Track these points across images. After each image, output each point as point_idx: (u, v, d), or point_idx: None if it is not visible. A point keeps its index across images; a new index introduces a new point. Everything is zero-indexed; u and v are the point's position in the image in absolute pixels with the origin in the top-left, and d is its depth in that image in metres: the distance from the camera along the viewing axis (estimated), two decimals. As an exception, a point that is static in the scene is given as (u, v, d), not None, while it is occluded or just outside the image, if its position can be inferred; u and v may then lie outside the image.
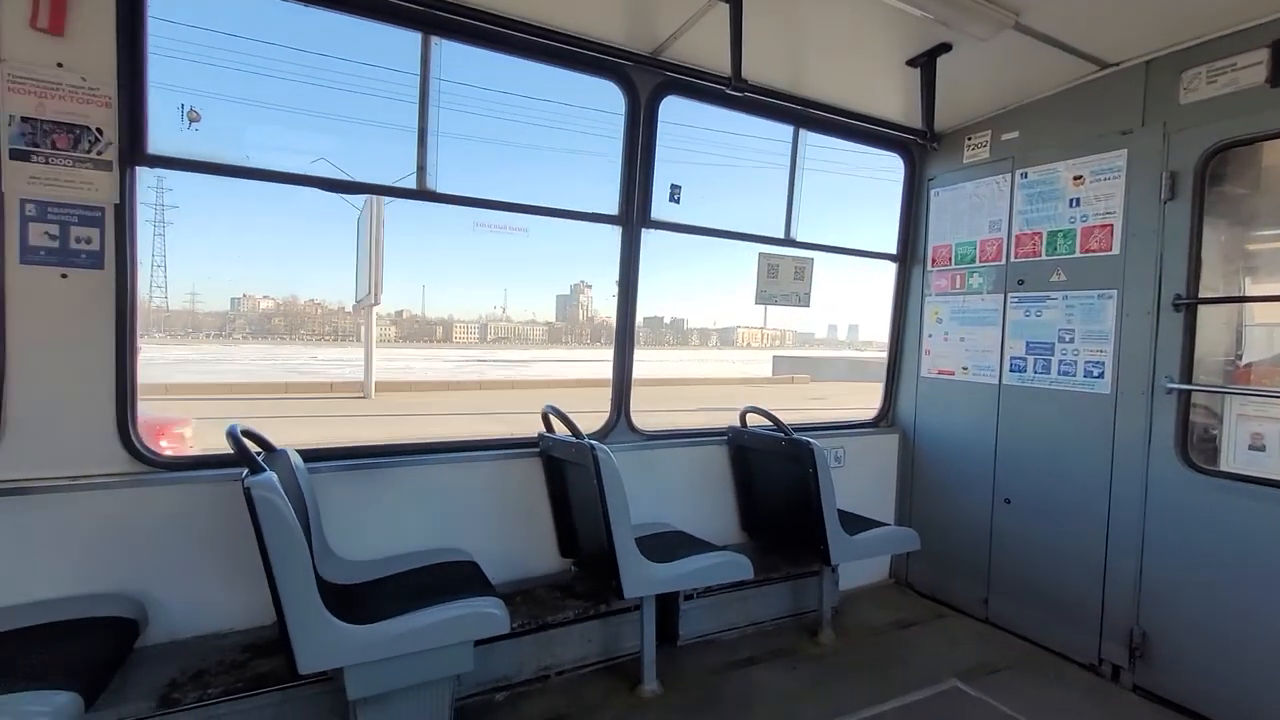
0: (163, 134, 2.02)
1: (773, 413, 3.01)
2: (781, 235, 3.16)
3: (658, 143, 2.78)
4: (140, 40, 1.97)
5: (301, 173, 2.24)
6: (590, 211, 2.75)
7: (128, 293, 2.00)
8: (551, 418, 2.63)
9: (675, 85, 2.77)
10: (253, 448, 1.93)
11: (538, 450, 2.68)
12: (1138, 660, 2.60)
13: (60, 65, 1.87)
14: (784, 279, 3.19)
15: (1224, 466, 2.55)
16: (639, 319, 3.06)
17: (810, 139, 3.15)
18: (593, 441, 2.28)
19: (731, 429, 3.17)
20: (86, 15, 1.88)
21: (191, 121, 2.11)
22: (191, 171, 2.09)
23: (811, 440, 2.74)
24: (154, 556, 2.04)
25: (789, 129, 3.12)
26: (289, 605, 1.62)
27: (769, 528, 3.13)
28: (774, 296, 3.18)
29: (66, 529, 1.93)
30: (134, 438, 2.05)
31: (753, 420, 3.12)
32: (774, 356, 28.23)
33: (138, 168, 1.99)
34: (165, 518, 2.05)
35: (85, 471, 1.98)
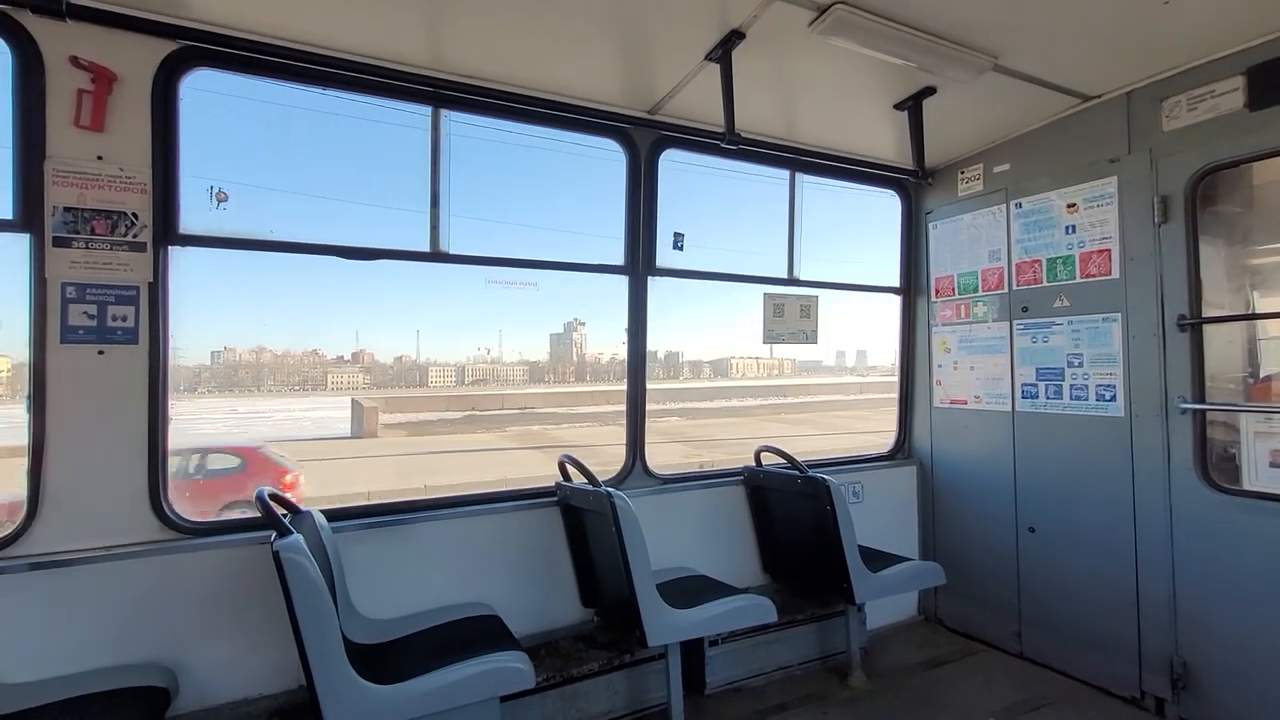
0: (193, 214, 2.16)
1: (786, 450, 3.04)
2: (785, 275, 3.23)
3: (659, 194, 2.89)
4: (173, 130, 2.12)
5: (321, 242, 2.37)
6: (598, 263, 2.85)
7: (160, 365, 2.10)
8: (568, 466, 2.64)
9: (673, 141, 2.89)
10: (279, 510, 2.00)
11: (556, 499, 2.69)
12: (1181, 692, 2.53)
13: (100, 158, 2.01)
14: (790, 318, 3.25)
15: (1246, 485, 2.53)
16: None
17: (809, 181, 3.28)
18: (610, 490, 2.30)
19: (747, 469, 3.17)
20: (124, 111, 2.04)
21: (219, 201, 2.23)
22: (220, 248, 2.23)
23: (827, 477, 2.74)
24: (184, 623, 2.07)
25: (786, 173, 3.23)
26: (317, 668, 1.63)
27: (791, 568, 3.10)
28: (781, 335, 3.24)
29: (100, 600, 1.98)
30: (165, 505, 2.11)
31: (768, 459, 3.14)
32: (353, 401, 21.52)
33: (170, 247, 2.12)
34: (195, 584, 2.09)
35: (118, 541, 2.04)
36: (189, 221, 2.15)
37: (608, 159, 2.87)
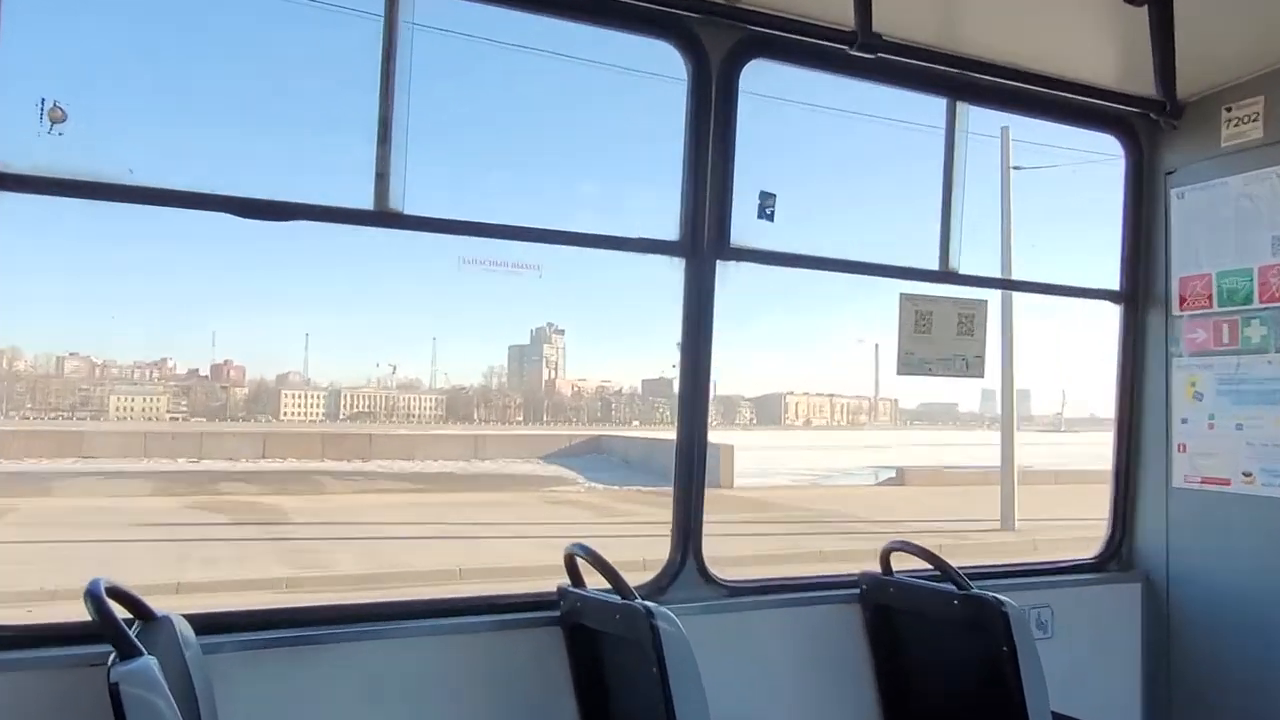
0: (11, 141, 2.13)
1: (932, 550, 2.95)
2: (936, 266, 3.15)
3: (738, 131, 2.80)
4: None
5: (207, 192, 2.28)
6: (640, 238, 2.79)
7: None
8: (578, 560, 2.56)
9: (764, 45, 2.80)
10: (122, 614, 1.87)
11: (558, 613, 2.60)
12: None
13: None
14: (941, 334, 3.14)
15: None
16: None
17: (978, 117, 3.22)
18: (649, 604, 2.22)
19: (866, 577, 3.08)
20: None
21: (54, 123, 2.17)
22: (52, 194, 2.16)
23: (1003, 597, 2.64)
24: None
25: (941, 103, 3.15)
26: None
27: (935, 740, 2.96)
28: (926, 363, 3.14)
29: None
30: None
31: (901, 562, 3.04)
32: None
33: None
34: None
35: None
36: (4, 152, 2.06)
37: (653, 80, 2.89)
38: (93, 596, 1.73)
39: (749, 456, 34.32)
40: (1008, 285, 3.40)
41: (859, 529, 17.09)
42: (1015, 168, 16.72)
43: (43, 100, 2.17)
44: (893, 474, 28.43)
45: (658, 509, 20.46)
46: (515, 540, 15.51)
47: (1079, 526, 15.95)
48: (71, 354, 50.20)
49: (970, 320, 3.18)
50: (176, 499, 21.41)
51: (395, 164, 2.46)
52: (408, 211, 2.47)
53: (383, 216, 2.46)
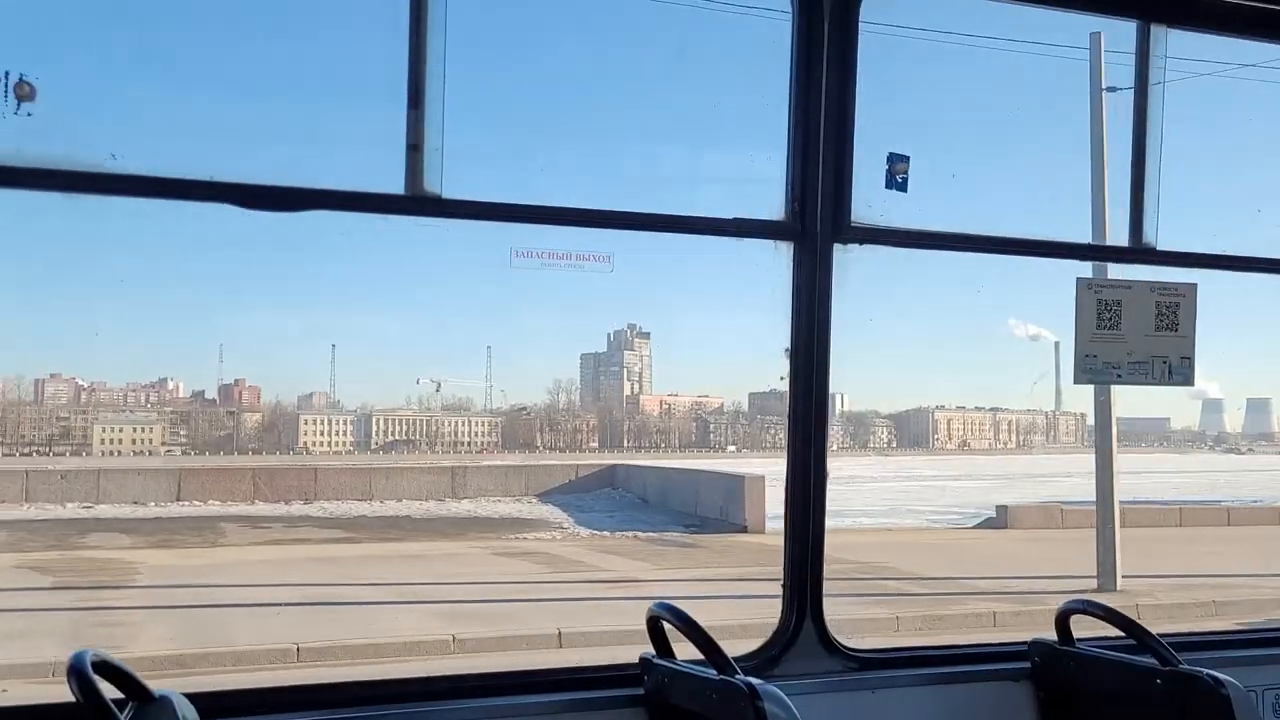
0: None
1: (1124, 613, 2.82)
2: (1126, 242, 2.98)
3: (859, 80, 2.68)
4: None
5: (202, 179, 2.20)
6: (734, 218, 2.66)
7: None
8: (665, 623, 2.45)
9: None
10: (113, 693, 1.78)
11: (640, 690, 2.51)
12: None
13: None
14: (1133, 329, 2.92)
15: None
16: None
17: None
18: (752, 680, 2.11)
19: (1039, 646, 2.92)
20: None
21: (20, 101, 2.05)
22: (22, 186, 2.09)
23: (1223, 675, 2.40)
24: None
25: (1129, 27, 2.93)
26: None
27: None
28: (1113, 368, 2.93)
29: None
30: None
31: (1083, 627, 2.90)
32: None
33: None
34: None
35: None
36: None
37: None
38: (77, 673, 1.65)
39: (875, 490, 33.37)
40: (1234, 264, 3.14)
41: (890, 588, 15.21)
42: (1109, 89, 14.41)
43: (5, 75, 2.05)
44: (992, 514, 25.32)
45: (641, 563, 18.70)
46: (406, 608, 14.39)
47: (1230, 585, 14.54)
48: (52, 375, 47.19)
49: (1174, 311, 2.92)
50: (19, 555, 19.87)
51: (429, 134, 2.33)
52: (447, 195, 2.37)
53: (417, 202, 2.37)
